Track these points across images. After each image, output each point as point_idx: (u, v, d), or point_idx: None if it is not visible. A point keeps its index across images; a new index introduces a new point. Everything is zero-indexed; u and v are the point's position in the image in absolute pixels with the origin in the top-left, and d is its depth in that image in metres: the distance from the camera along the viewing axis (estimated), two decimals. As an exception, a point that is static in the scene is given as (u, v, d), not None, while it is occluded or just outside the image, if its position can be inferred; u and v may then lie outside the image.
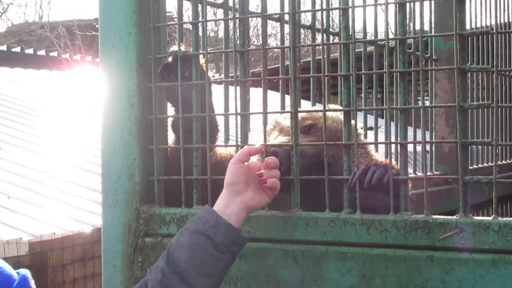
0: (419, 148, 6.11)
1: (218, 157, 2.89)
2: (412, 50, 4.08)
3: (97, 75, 2.82)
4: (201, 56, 2.65)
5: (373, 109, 2.64)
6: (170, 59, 2.66)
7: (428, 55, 4.86)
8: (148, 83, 2.64)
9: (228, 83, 2.83)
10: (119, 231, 2.65)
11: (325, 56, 2.43)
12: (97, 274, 7.04)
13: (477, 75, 5.50)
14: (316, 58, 3.40)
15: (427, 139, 4.57)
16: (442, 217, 2.11)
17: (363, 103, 3.67)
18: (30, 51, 19.29)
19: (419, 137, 5.08)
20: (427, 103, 5.12)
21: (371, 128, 4.26)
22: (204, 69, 2.65)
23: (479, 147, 5.70)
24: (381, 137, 4.01)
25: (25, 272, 2.36)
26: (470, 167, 2.20)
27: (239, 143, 2.56)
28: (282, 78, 2.68)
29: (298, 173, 2.36)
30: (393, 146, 2.77)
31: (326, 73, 2.41)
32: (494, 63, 2.08)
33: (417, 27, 4.61)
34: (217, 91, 2.70)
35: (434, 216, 2.12)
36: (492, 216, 2.06)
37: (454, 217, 2.10)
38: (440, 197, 4.70)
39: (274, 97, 3.10)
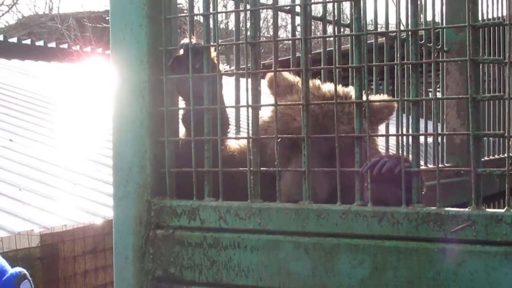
0: (429, 140, 6.10)
1: (229, 152, 2.90)
2: (423, 41, 4.07)
3: (108, 67, 2.81)
4: (212, 48, 2.64)
5: (385, 101, 2.63)
6: (181, 51, 2.66)
7: (439, 46, 4.84)
8: (159, 75, 2.63)
9: (239, 75, 2.83)
10: (130, 223, 2.66)
11: (336, 48, 2.42)
12: (108, 266, 7.05)
13: (488, 67, 5.49)
14: (328, 49, 3.40)
15: (439, 131, 4.57)
16: (455, 209, 2.10)
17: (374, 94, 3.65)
18: (40, 43, 19.35)
19: (430, 129, 5.08)
20: (439, 94, 5.11)
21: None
22: (215, 61, 2.65)
23: (490, 139, 5.70)
24: (392, 129, 4.01)
25: (20, 270, 2.38)
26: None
27: (250, 136, 2.56)
28: (293, 70, 2.68)
29: (310, 166, 2.35)
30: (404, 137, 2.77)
31: (337, 65, 2.40)
32: (507, 54, 2.07)
33: (428, 18, 4.61)
34: (228, 83, 2.70)
35: (446, 209, 2.11)
36: (505, 208, 2.05)
37: (467, 209, 2.09)
38: (451, 189, 4.70)
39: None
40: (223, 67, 2.77)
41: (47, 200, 6.94)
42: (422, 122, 4.34)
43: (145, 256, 2.63)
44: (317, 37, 2.78)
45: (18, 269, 2.48)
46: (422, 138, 4.79)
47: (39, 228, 6.24)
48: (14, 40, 18.53)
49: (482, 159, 5.18)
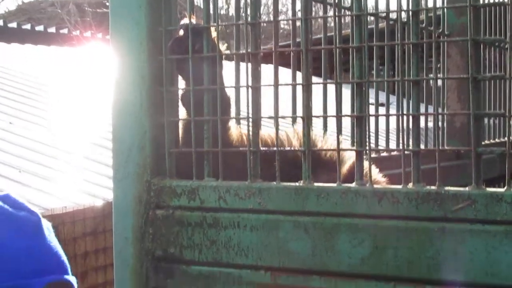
0: (429, 125, 6.12)
1: (233, 140, 2.91)
2: (424, 25, 4.07)
3: (107, 51, 2.80)
4: (212, 29, 2.63)
5: (385, 81, 2.63)
6: (181, 32, 2.65)
7: (440, 30, 4.84)
8: (159, 55, 2.63)
9: (239, 58, 2.82)
10: (130, 204, 2.65)
11: (336, 28, 2.41)
12: (108, 247, 7.06)
13: (490, 52, 5.49)
14: (328, 34, 3.39)
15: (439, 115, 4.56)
16: (455, 188, 2.10)
17: (375, 78, 3.65)
18: (40, 28, 19.29)
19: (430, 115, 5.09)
20: (439, 80, 5.12)
21: (382, 104, 4.25)
22: (216, 42, 2.64)
23: (491, 123, 5.71)
24: (392, 112, 4.02)
25: (63, 278, 2.39)
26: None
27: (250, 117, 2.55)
28: (294, 50, 2.67)
29: (310, 145, 2.35)
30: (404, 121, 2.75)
31: (337, 45, 2.39)
32: (508, 34, 2.06)
33: (429, 2, 4.60)
34: (228, 69, 2.69)
35: (446, 188, 2.10)
36: (505, 187, 2.04)
37: (467, 188, 2.09)
38: (451, 172, 4.71)
39: (285, 73, 3.10)
40: (223, 47, 2.76)
41: (47, 182, 6.96)
42: (423, 107, 4.35)
43: (145, 236, 2.63)
44: (317, 17, 2.77)
45: (70, 278, 2.47)
46: (422, 123, 4.82)
47: (39, 210, 6.24)
48: (13, 25, 18.47)
49: (483, 143, 5.21)
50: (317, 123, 3.07)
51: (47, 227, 2.54)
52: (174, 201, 2.57)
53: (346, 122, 3.04)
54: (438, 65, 4.98)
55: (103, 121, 8.88)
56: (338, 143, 2.33)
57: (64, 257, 2.53)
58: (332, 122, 3.05)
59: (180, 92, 2.77)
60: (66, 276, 2.47)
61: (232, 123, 3.10)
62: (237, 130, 3.07)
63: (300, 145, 2.86)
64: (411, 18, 2.28)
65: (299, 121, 2.47)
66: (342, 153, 2.87)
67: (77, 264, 6.76)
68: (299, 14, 2.50)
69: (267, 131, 2.98)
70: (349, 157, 2.78)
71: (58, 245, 2.55)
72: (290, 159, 2.74)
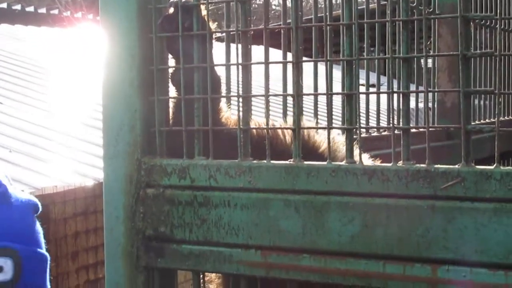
0: (421, 106, 6.14)
1: (224, 122, 2.90)
2: (415, 4, 4.06)
3: (98, 32, 2.79)
4: (202, 7, 2.62)
5: (375, 59, 2.63)
6: (171, 9, 2.64)
7: (431, 10, 4.85)
8: (149, 34, 2.62)
9: (229, 37, 2.81)
10: (121, 183, 2.65)
11: (327, 5, 2.40)
12: (99, 228, 7.07)
13: (480, 33, 5.50)
14: (318, 15, 3.39)
15: (429, 96, 4.57)
16: (444, 166, 2.10)
17: (365, 62, 3.65)
18: (30, 8, 19.20)
19: (420, 96, 5.10)
20: (429, 61, 5.13)
21: (373, 85, 4.24)
22: (205, 20, 2.63)
23: (481, 104, 5.73)
24: (383, 96, 4.01)
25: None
26: (472, 123, 2.18)
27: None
28: (284, 27, 2.66)
29: (299, 124, 2.35)
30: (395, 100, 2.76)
31: (328, 23, 2.38)
32: (498, 10, 2.06)
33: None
34: (218, 50, 2.68)
35: (436, 166, 2.10)
36: (494, 165, 2.05)
37: (456, 166, 2.09)
38: (441, 153, 4.72)
39: (276, 55, 3.08)
40: (213, 25, 2.75)
41: (37, 161, 6.96)
42: (413, 88, 4.35)
43: (136, 215, 2.62)
44: (308, -4, 2.77)
45: (22, 248, 2.48)
46: (413, 104, 4.83)
47: (30, 189, 6.24)
48: (4, 5, 18.38)
49: (473, 123, 5.23)
50: (307, 112, 3.07)
51: (22, 201, 2.57)
52: (165, 180, 2.56)
53: (338, 111, 3.04)
54: (429, 42, 4.99)
55: (94, 101, 8.87)
56: (328, 120, 2.33)
57: (31, 229, 2.56)
58: (323, 106, 3.04)
59: (170, 71, 2.76)
60: (36, 248, 2.49)
61: (223, 105, 3.09)
62: (229, 112, 3.07)
63: (291, 138, 2.85)
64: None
65: (290, 113, 2.46)
66: (335, 149, 2.87)
67: (67, 245, 6.76)
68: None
69: (259, 120, 2.98)
70: (343, 155, 2.78)
71: (30, 218, 2.57)
72: (280, 152, 2.72)
